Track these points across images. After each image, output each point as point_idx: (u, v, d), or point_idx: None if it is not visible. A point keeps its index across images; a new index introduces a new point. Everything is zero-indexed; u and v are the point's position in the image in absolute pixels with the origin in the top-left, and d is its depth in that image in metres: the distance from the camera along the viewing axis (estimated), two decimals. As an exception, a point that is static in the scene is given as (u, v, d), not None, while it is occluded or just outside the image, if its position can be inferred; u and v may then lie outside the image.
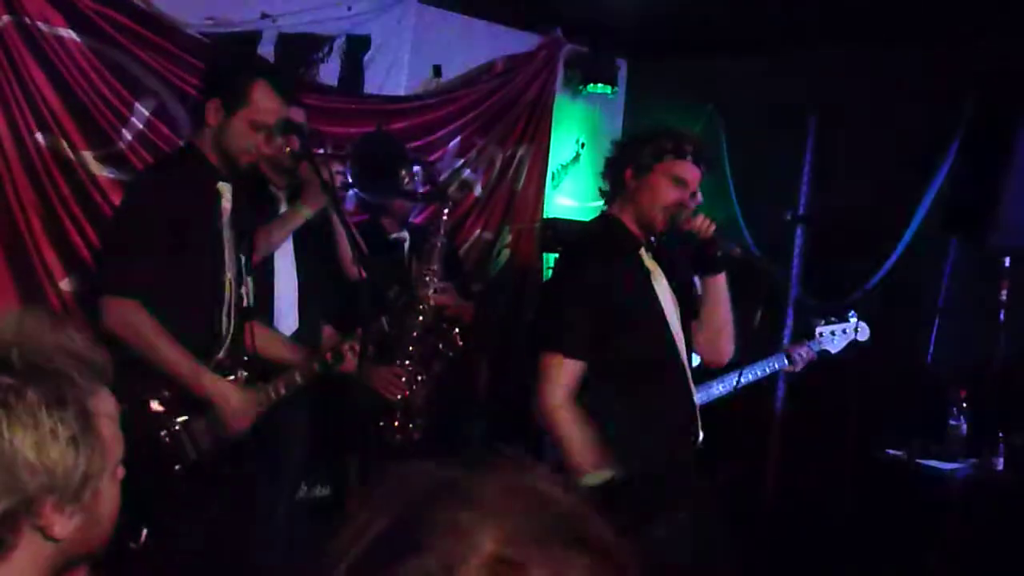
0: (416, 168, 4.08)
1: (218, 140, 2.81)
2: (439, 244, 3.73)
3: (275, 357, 3.04)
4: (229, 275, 2.84)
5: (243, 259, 2.91)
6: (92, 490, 1.18)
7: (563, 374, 2.78)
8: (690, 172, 2.92)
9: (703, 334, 3.07)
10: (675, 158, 2.88)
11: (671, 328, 2.92)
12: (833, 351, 3.85)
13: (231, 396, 2.78)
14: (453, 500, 0.70)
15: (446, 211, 3.80)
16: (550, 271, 3.43)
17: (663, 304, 2.92)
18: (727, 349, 3.12)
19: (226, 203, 2.86)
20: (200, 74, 4.21)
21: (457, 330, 3.85)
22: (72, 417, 1.15)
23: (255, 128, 2.79)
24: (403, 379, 3.75)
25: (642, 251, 2.95)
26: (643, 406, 2.85)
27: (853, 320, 3.84)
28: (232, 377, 2.84)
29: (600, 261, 2.87)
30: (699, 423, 2.99)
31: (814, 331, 3.85)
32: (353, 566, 0.70)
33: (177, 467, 2.72)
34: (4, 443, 1.12)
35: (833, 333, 3.84)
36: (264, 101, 2.79)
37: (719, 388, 3.59)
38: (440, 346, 3.83)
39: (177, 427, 2.72)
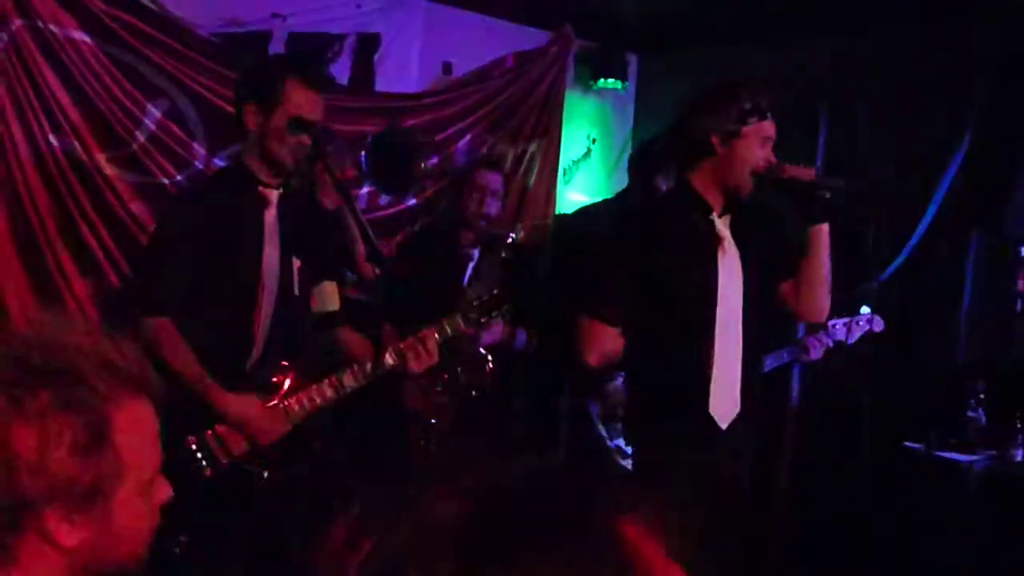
0: (433, 159, 4.06)
1: (261, 145, 2.81)
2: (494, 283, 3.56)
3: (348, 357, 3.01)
4: (269, 283, 2.85)
5: (300, 263, 2.90)
6: (104, 502, 1.15)
7: (603, 338, 2.85)
8: (773, 129, 2.86)
9: (803, 289, 2.95)
10: (760, 119, 2.82)
11: (718, 308, 2.86)
12: (849, 341, 3.86)
13: (251, 415, 2.77)
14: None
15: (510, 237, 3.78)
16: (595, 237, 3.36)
17: (721, 279, 2.86)
18: (826, 304, 3.01)
19: (271, 210, 2.87)
20: (212, 75, 4.35)
21: (490, 365, 3.85)
22: (83, 424, 1.12)
23: (293, 129, 2.78)
24: (433, 400, 3.72)
25: (715, 217, 2.89)
26: (656, 380, 2.89)
27: (867, 312, 3.86)
28: (274, 380, 2.84)
29: (659, 222, 2.87)
30: (722, 409, 2.90)
31: (826, 325, 3.85)
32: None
33: (208, 473, 2.72)
34: (7, 441, 1.10)
35: (847, 325, 3.86)
36: (298, 96, 2.78)
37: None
38: (468, 383, 3.83)
39: (208, 432, 2.74)
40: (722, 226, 2.90)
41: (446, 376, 3.72)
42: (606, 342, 2.85)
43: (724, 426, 2.88)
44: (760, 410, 3.04)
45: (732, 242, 2.91)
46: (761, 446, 3.15)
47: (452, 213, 4.06)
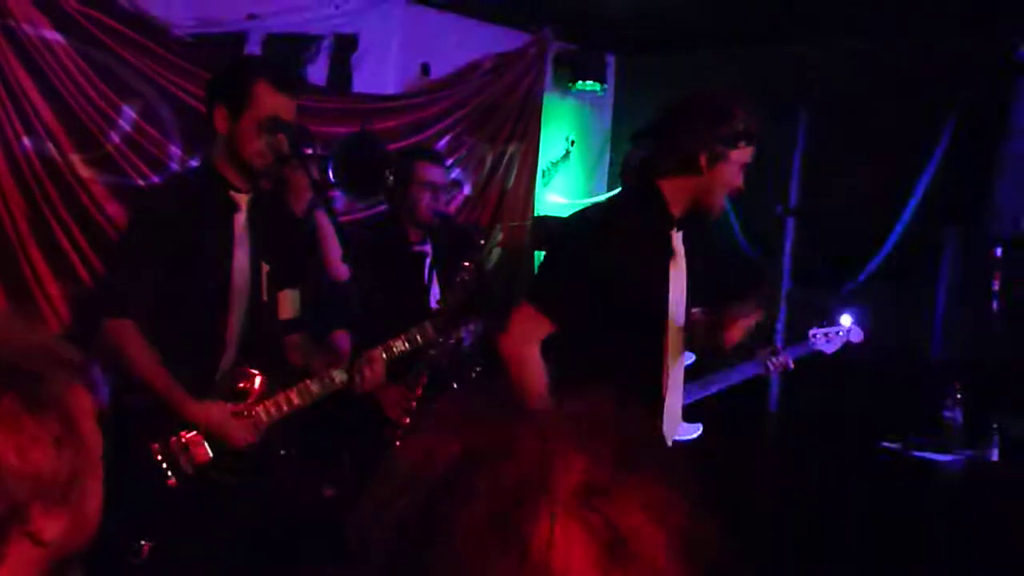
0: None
1: (231, 148, 2.78)
2: (467, 280, 3.46)
3: (310, 365, 2.99)
4: (240, 287, 2.83)
5: (268, 268, 2.89)
6: (79, 489, 1.16)
7: (535, 328, 2.75)
8: (751, 155, 2.82)
9: (728, 327, 2.99)
10: (747, 144, 2.78)
11: (670, 317, 2.86)
12: (828, 352, 3.90)
13: (216, 422, 2.73)
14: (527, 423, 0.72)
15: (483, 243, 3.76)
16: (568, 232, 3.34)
17: (672, 291, 2.87)
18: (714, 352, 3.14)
19: (241, 214, 2.85)
20: (187, 76, 4.31)
21: (478, 369, 3.83)
22: (54, 419, 1.13)
23: (265, 129, 2.75)
24: (412, 406, 3.68)
25: (673, 232, 2.88)
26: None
27: (848, 323, 3.90)
28: (241, 386, 2.83)
29: (622, 233, 2.78)
30: (675, 423, 2.96)
31: (807, 334, 3.90)
32: (430, 490, 0.72)
33: (172, 481, 2.69)
34: None
35: (827, 335, 3.89)
36: (267, 99, 2.75)
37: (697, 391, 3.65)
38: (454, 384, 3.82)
39: (172, 440, 2.70)
40: (676, 240, 2.89)
41: (420, 388, 3.70)
42: (534, 334, 2.74)
43: (668, 443, 2.90)
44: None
45: (683, 255, 2.90)
46: (740, 449, 3.15)
47: (397, 211, 3.92)
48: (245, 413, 2.78)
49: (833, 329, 3.90)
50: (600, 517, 0.68)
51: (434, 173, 3.91)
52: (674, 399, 2.93)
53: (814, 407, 4.76)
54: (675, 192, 2.81)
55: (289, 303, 3.02)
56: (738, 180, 2.79)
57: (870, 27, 4.83)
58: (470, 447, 0.71)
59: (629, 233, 2.78)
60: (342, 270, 3.50)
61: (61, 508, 1.14)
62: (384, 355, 2.94)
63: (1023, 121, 4.41)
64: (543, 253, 4.37)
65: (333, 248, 3.51)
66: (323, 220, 3.47)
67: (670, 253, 2.86)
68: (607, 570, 0.66)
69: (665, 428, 2.89)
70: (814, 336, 3.88)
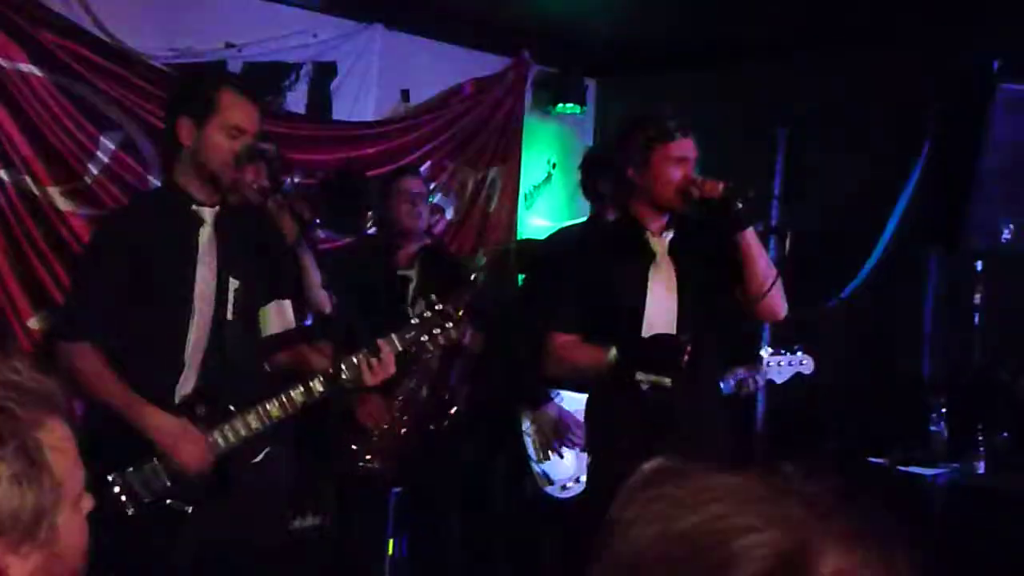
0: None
1: (196, 159, 2.75)
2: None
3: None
4: (202, 306, 2.78)
5: (237, 285, 2.84)
6: (48, 526, 1.13)
7: (562, 349, 3.09)
8: (683, 147, 3.03)
9: (754, 294, 3.06)
10: (665, 141, 3.01)
11: (644, 318, 3.04)
12: (778, 381, 3.95)
13: (177, 438, 2.66)
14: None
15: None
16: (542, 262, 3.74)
17: (651, 292, 3.05)
18: (780, 303, 3.12)
19: (205, 228, 2.81)
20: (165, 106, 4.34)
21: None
22: (12, 454, 1.10)
23: (230, 135, 2.73)
24: (392, 415, 3.72)
25: (649, 236, 3.11)
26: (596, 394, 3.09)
27: (799, 354, 3.95)
28: (200, 410, 2.77)
29: (599, 243, 3.12)
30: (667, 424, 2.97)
31: (760, 360, 3.94)
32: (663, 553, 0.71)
33: (130, 511, 2.65)
34: None
35: (780, 364, 3.94)
36: (234, 103, 2.74)
37: None
38: (446, 397, 3.87)
39: (130, 469, 2.66)
40: (658, 244, 3.09)
41: (401, 396, 3.72)
42: (568, 350, 3.06)
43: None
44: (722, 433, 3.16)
45: (669, 260, 3.08)
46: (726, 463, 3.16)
47: (383, 231, 3.96)
48: (206, 437, 2.72)
49: (786, 357, 3.95)
50: None
51: (411, 183, 4.02)
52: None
53: (798, 423, 4.75)
54: (640, 208, 3.11)
55: (277, 316, 2.97)
56: (678, 174, 3.00)
57: (847, 45, 4.87)
58: (710, 523, 0.73)
59: (601, 246, 3.09)
60: (323, 302, 3.52)
61: (30, 545, 1.11)
62: (393, 346, 2.83)
63: (1000, 134, 4.39)
64: (527, 276, 4.40)
65: (314, 282, 3.52)
66: (304, 254, 3.48)
67: (649, 258, 3.06)
68: None
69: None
70: (768, 364, 3.92)
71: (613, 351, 3.01)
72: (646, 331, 3.04)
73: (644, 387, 3.08)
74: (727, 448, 3.16)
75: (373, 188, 3.89)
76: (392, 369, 2.84)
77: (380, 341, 2.82)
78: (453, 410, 4.00)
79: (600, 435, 3.18)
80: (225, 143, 2.73)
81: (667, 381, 2.97)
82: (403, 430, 3.79)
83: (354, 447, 3.72)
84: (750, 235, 3.04)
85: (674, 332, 3.04)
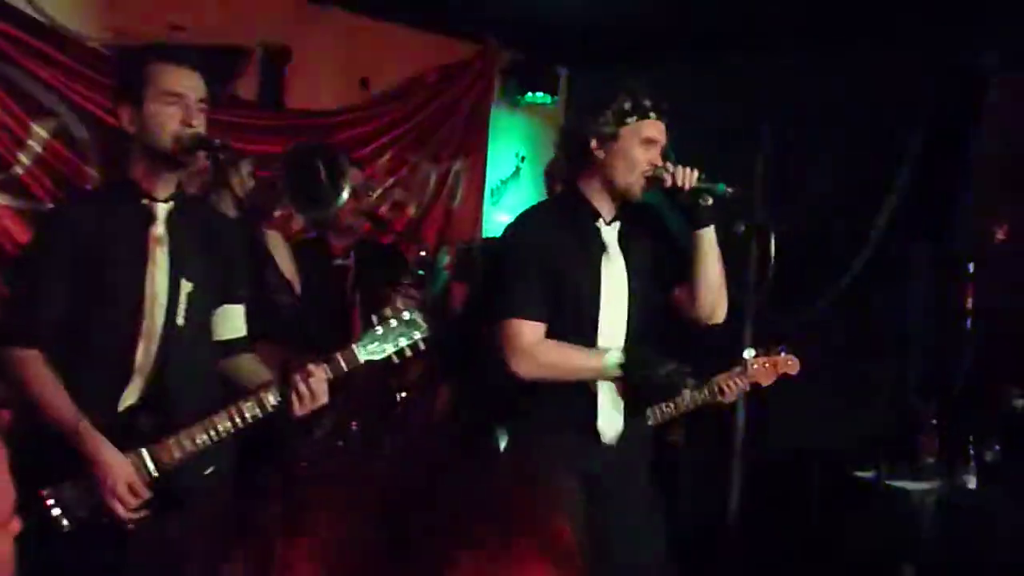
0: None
1: (143, 143, 2.67)
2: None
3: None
4: (152, 309, 2.69)
5: (191, 287, 2.74)
6: None
7: (532, 334, 2.91)
8: (656, 129, 2.95)
9: (698, 292, 3.06)
10: (639, 118, 2.92)
11: (601, 314, 2.98)
12: (764, 383, 3.84)
13: (118, 480, 2.57)
14: None
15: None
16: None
17: (604, 285, 2.99)
18: (722, 307, 3.14)
19: (157, 226, 2.71)
20: (105, 91, 4.17)
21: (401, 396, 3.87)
22: None
23: (166, 102, 2.65)
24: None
25: (601, 224, 3.00)
26: (539, 391, 2.97)
27: (783, 355, 3.87)
28: (145, 421, 2.68)
29: (547, 228, 2.98)
30: (607, 425, 3.01)
31: (744, 361, 3.82)
32: None
33: (66, 526, 2.56)
34: None
35: (765, 365, 3.84)
36: (164, 70, 2.67)
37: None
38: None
39: (67, 483, 2.57)
40: (609, 234, 3.02)
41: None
42: (534, 343, 2.91)
43: (608, 443, 3.01)
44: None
45: (618, 250, 3.02)
46: (706, 482, 3.16)
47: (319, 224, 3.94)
48: (149, 451, 2.62)
49: (771, 359, 3.85)
50: None
51: (353, 174, 3.90)
52: (609, 395, 3.01)
53: (780, 435, 4.69)
54: (591, 188, 3.00)
55: (227, 322, 2.89)
56: (644, 157, 2.92)
57: (832, 36, 4.83)
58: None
59: (553, 231, 2.97)
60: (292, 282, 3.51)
61: None
62: (327, 371, 2.71)
63: (991, 128, 4.43)
64: (486, 267, 4.33)
65: (288, 266, 3.52)
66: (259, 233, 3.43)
67: (601, 248, 2.99)
68: None
69: (600, 425, 3.00)
70: (753, 366, 3.81)
71: (613, 359, 2.95)
72: (601, 333, 2.99)
73: (649, 421, 3.28)
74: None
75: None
76: (323, 399, 2.71)
77: (312, 366, 2.69)
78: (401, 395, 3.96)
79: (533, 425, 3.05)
80: (162, 110, 2.64)
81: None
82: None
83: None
84: (710, 233, 3.04)
85: (623, 333, 3.02)
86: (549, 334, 2.94)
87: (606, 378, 2.98)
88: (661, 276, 3.10)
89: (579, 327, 2.96)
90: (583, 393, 2.98)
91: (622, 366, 2.95)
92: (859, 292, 4.80)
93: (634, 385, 3.01)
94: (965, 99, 4.48)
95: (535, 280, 2.92)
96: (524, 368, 2.90)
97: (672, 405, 3.48)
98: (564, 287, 2.95)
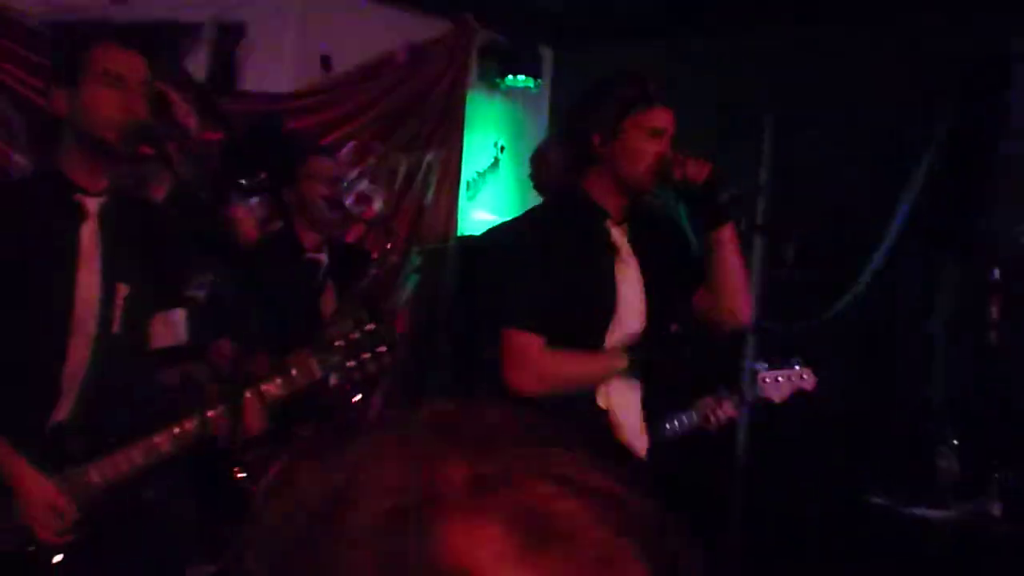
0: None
1: (77, 130, 2.60)
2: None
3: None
4: (84, 315, 2.62)
5: (127, 291, 2.68)
6: None
7: (531, 346, 2.84)
8: (664, 118, 2.88)
9: (720, 295, 3.00)
10: (645, 107, 2.85)
11: (615, 322, 2.90)
12: (777, 400, 3.68)
13: (42, 510, 2.52)
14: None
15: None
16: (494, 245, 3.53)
17: (619, 291, 2.91)
18: (747, 309, 3.10)
19: (90, 223, 2.64)
20: (37, 71, 4.19)
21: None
22: None
23: (108, 84, 2.58)
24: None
25: (610, 224, 2.94)
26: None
27: (797, 368, 3.72)
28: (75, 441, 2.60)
29: (551, 229, 2.91)
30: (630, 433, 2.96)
31: (755, 377, 3.70)
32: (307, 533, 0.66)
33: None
34: None
35: (778, 379, 3.69)
36: (107, 53, 2.61)
37: None
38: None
39: None
40: (619, 235, 2.96)
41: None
42: (536, 356, 2.84)
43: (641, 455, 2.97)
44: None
45: (631, 252, 2.96)
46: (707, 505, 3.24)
47: (289, 213, 3.90)
48: (77, 476, 2.56)
49: (784, 372, 3.69)
50: (504, 502, 0.65)
51: (325, 165, 4.00)
52: (625, 407, 2.95)
53: (789, 458, 4.66)
54: (598, 187, 2.93)
55: (165, 328, 2.84)
56: (652, 149, 2.85)
57: (845, 19, 4.75)
58: (338, 483, 0.67)
59: (560, 235, 2.89)
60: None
61: None
62: (259, 401, 2.69)
63: (1020, 120, 4.35)
64: (482, 273, 4.26)
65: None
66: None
67: (613, 250, 2.94)
68: (527, 556, 0.62)
69: (628, 440, 2.96)
70: (764, 380, 3.66)
71: (626, 360, 2.92)
72: (617, 340, 2.93)
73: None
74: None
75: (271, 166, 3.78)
76: (258, 425, 2.69)
77: (248, 395, 2.65)
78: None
79: None
80: (103, 93, 2.58)
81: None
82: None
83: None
84: (730, 230, 2.96)
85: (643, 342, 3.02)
86: (557, 344, 2.87)
87: (612, 372, 2.91)
88: (680, 279, 3.03)
89: (590, 337, 2.90)
90: (589, 401, 2.91)
91: (627, 349, 2.90)
92: (873, 301, 4.73)
93: (642, 362, 2.94)
94: (989, 84, 4.41)
95: (537, 288, 2.86)
96: (525, 383, 2.83)
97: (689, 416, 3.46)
98: (574, 294, 2.89)
